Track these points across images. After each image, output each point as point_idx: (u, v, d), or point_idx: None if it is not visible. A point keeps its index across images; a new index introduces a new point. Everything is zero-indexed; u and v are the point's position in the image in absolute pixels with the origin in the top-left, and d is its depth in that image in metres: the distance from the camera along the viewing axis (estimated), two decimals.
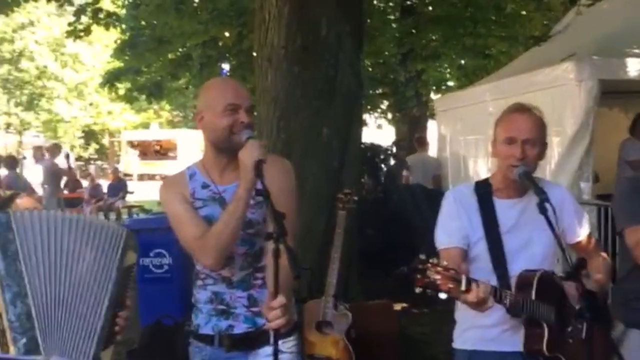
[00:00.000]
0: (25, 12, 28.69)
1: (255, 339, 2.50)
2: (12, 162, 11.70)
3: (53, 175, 13.38)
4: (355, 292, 5.59)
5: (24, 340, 2.11)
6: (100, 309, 2.25)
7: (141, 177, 30.70)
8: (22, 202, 2.51)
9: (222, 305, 2.51)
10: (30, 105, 32.29)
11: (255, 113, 2.71)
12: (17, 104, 32.30)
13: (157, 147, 34.77)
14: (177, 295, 5.75)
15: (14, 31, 30.82)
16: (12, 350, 2.09)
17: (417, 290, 2.17)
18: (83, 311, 2.22)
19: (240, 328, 2.51)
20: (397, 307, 5.84)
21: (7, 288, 2.13)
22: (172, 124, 38.74)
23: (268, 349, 2.45)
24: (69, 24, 10.11)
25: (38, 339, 2.13)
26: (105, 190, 16.96)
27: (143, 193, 19.62)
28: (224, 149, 2.46)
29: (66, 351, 2.17)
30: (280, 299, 2.15)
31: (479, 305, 2.26)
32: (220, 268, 2.47)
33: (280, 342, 2.33)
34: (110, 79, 12.71)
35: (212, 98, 2.46)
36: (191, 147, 32.04)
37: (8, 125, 32.35)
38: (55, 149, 14.53)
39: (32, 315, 2.14)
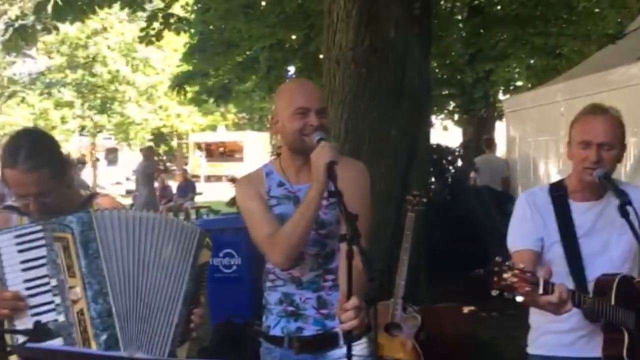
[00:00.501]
0: (99, 19, 29.58)
1: (324, 341, 2.51)
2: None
3: (148, 176, 13.80)
4: (423, 295, 5.56)
5: (105, 336, 2.18)
6: (176, 305, 2.30)
7: (208, 179, 31.27)
8: (103, 200, 2.59)
9: (292, 306, 2.53)
10: (103, 108, 33.24)
11: None
12: (90, 108, 33.30)
13: (224, 149, 35.36)
14: (246, 295, 5.84)
15: (88, 37, 31.82)
16: (94, 346, 2.15)
17: (493, 292, 2.16)
18: (159, 308, 2.28)
19: (309, 330, 2.51)
20: (465, 310, 5.77)
21: (89, 286, 2.20)
22: (238, 126, 39.29)
23: (337, 352, 2.48)
24: (141, 30, 10.37)
25: (118, 335, 2.20)
26: (174, 191, 17.33)
27: (210, 194, 20.00)
28: (297, 151, 2.49)
29: (143, 347, 2.23)
30: (354, 301, 2.15)
31: (559, 308, 2.22)
32: (290, 267, 2.50)
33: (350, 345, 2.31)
34: (179, 83, 12.97)
35: (283, 102, 2.51)
36: (257, 148, 32.47)
37: (82, 128, 33.42)
38: (150, 152, 14.95)
39: (112, 312, 2.20)
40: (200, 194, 17.88)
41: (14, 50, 9.86)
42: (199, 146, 35.41)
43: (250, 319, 5.28)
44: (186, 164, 33.05)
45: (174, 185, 18.37)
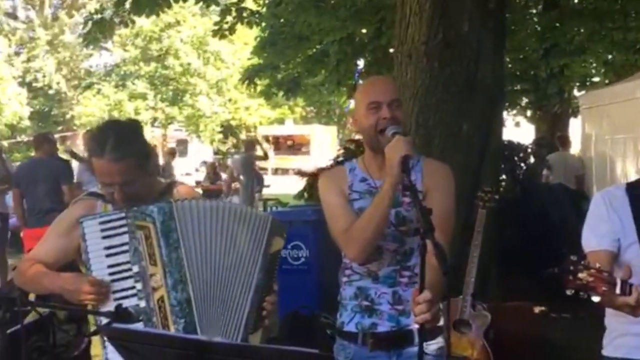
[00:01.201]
0: (172, 13, 30.21)
1: (398, 338, 2.50)
2: None
3: (249, 167, 14.10)
4: (493, 293, 5.48)
5: (183, 323, 2.25)
6: (248, 293, 2.35)
7: (275, 172, 31.54)
8: (182, 188, 2.66)
9: (367, 301, 2.53)
10: (175, 100, 34.01)
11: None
12: (162, 99, 34.12)
13: (291, 142, 35.61)
14: (313, 287, 5.89)
15: (162, 30, 32.60)
16: (173, 331, 2.22)
17: (568, 291, 2.11)
18: (232, 295, 2.33)
19: (383, 326, 2.51)
20: (536, 310, 5.66)
21: (169, 274, 2.27)
22: (305, 120, 39.52)
23: (412, 350, 2.45)
24: (215, 23, 10.55)
25: (196, 322, 2.26)
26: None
27: (277, 187, 20.17)
28: (375, 148, 2.51)
29: (218, 333, 2.28)
30: (426, 294, 2.13)
31: (636, 310, 2.15)
32: (365, 261, 2.50)
33: (424, 343, 2.32)
34: (250, 76, 13.14)
35: (357, 100, 2.57)
36: (324, 142, 32.59)
37: (154, 120, 34.26)
38: (251, 144, 15.24)
39: (191, 300, 2.27)
40: (267, 186, 18.00)
41: (92, 43, 10.15)
42: (266, 139, 35.78)
43: (317, 310, 5.32)
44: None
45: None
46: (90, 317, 2.47)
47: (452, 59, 5.49)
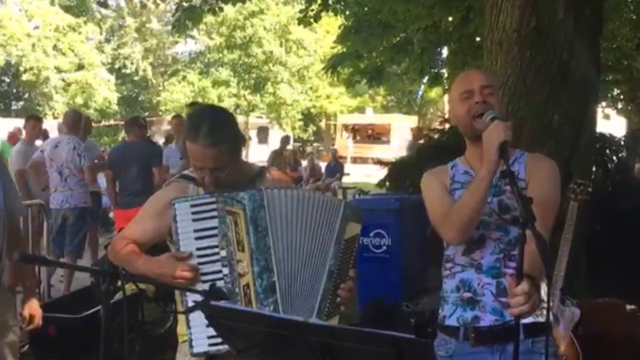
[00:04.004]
0: (256, 1, 30.63)
1: (502, 333, 2.40)
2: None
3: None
4: (582, 289, 5.31)
5: (267, 311, 2.26)
6: (320, 279, 2.35)
7: (354, 160, 31.57)
8: (274, 173, 2.70)
9: (469, 292, 2.47)
10: (257, 88, 34.47)
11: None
12: (245, 87, 34.64)
13: (371, 131, 35.53)
14: (396, 275, 5.87)
15: (246, 19, 33.04)
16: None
17: None
18: (307, 285, 2.35)
19: (486, 320, 2.43)
20: (627, 308, 5.44)
21: (256, 262, 2.30)
22: (385, 109, 39.32)
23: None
24: (301, 11, 10.61)
25: (280, 309, 2.29)
26: (323, 170, 17.66)
27: (356, 175, 20.20)
28: (472, 135, 2.49)
29: None
30: (524, 286, 2.08)
31: None
32: (470, 250, 2.48)
33: (529, 340, 2.36)
34: (334, 64, 13.13)
35: (452, 94, 2.58)
36: (404, 131, 32.32)
37: (237, 107, 34.86)
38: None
39: (275, 288, 2.30)
40: (347, 174, 18.10)
41: (181, 30, 10.39)
42: (346, 128, 35.81)
43: (399, 299, 5.31)
44: (333, 145, 33.61)
45: (322, 165, 18.71)
46: (177, 297, 2.52)
47: (544, 47, 5.32)
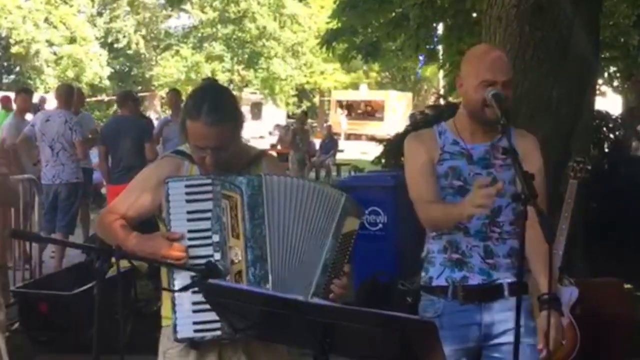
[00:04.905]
0: None
1: (489, 291, 2.51)
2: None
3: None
4: (579, 268, 5.29)
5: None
6: (314, 273, 2.27)
7: (348, 137, 31.48)
8: (270, 159, 2.63)
9: (457, 254, 2.53)
10: (250, 63, 34.23)
11: None
12: (238, 62, 34.39)
13: (365, 108, 35.39)
14: (391, 253, 5.84)
15: None
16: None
17: None
18: (301, 277, 2.26)
19: (474, 279, 2.51)
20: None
21: (250, 250, 2.22)
22: (379, 85, 39.15)
23: (502, 304, 2.50)
24: None
25: None
26: (317, 147, 17.58)
27: (351, 152, 20.14)
28: (477, 119, 2.53)
29: None
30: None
31: None
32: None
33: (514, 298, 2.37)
34: (329, 39, 13.00)
35: (469, 70, 2.52)
36: (398, 108, 32.23)
37: (230, 82, 34.63)
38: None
39: (268, 279, 2.22)
40: (341, 151, 18.04)
41: (175, 4, 10.23)
42: (340, 104, 35.65)
43: (395, 277, 5.27)
44: (327, 121, 33.49)
45: (316, 141, 18.63)
46: (164, 276, 2.43)
47: (544, 22, 5.24)
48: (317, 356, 1.70)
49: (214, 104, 2.30)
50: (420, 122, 8.77)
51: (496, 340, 2.52)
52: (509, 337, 2.37)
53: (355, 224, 2.35)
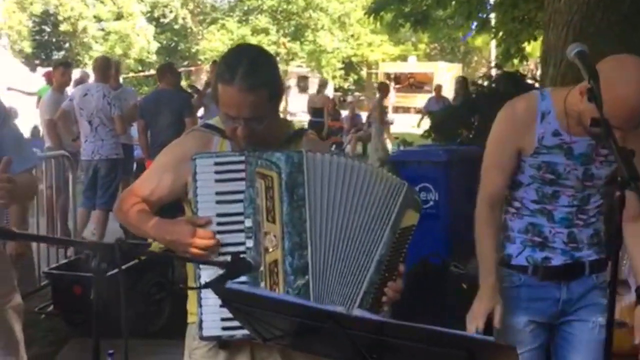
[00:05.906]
0: None
1: (571, 270, 2.46)
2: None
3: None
4: None
5: (295, 294, 1.92)
6: (367, 269, 1.97)
7: (396, 110, 30.93)
8: (312, 137, 2.29)
9: (539, 237, 2.44)
10: (297, 35, 33.90)
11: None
12: (284, 35, 34.11)
13: (413, 80, 34.73)
14: (443, 233, 5.50)
15: None
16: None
17: None
18: (350, 269, 1.97)
19: (557, 260, 2.44)
20: None
21: (288, 236, 1.92)
22: (428, 57, 38.37)
23: (583, 281, 2.46)
24: None
25: (310, 293, 1.93)
26: (363, 120, 17.23)
27: (399, 125, 19.72)
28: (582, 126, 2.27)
29: None
30: None
31: None
32: None
33: (594, 276, 2.46)
34: (376, 8, 12.57)
35: (606, 99, 1.92)
36: (447, 80, 31.46)
37: (276, 55, 34.33)
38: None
39: (307, 270, 1.93)
40: (391, 123, 17.65)
41: None
42: (388, 76, 35.03)
43: (448, 258, 4.92)
44: (374, 94, 32.98)
45: (363, 114, 18.25)
46: (189, 269, 2.17)
47: None
48: None
49: (251, 67, 1.98)
50: (476, 93, 8.33)
51: (570, 317, 2.50)
52: (582, 314, 2.45)
53: (415, 219, 2.06)
